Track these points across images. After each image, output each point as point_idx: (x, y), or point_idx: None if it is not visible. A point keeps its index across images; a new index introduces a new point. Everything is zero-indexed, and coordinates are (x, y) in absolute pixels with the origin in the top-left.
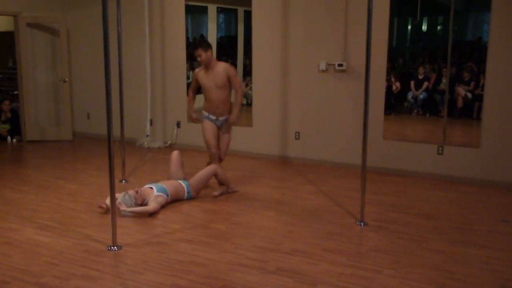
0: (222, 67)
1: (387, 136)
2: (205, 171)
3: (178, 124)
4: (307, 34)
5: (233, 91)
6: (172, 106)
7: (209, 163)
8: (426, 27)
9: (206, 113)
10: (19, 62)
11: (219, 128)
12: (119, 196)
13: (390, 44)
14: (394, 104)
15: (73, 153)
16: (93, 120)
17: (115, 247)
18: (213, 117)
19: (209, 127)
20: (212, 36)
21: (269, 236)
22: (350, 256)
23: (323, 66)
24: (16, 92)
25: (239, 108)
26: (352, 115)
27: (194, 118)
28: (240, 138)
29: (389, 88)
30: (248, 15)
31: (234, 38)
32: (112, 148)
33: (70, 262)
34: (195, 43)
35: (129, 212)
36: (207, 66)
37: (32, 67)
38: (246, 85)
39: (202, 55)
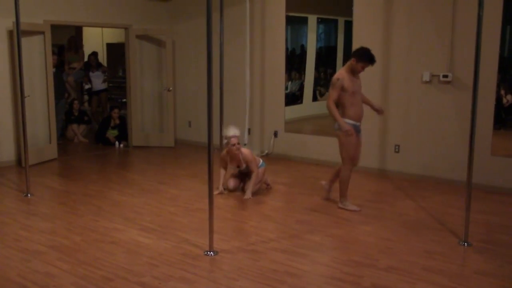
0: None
1: (496, 152)
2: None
3: (276, 134)
4: (410, 43)
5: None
6: (270, 115)
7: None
8: None
9: (351, 121)
10: (128, 72)
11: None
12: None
13: (501, 54)
14: (505, 118)
15: (175, 160)
16: (194, 128)
17: (212, 253)
18: (358, 123)
19: (356, 139)
20: (311, 47)
21: (365, 251)
22: (452, 277)
23: (426, 77)
24: (124, 100)
25: None
26: (457, 129)
27: (349, 129)
28: (337, 150)
29: (499, 101)
30: (348, 25)
31: (334, 49)
32: (212, 156)
33: (169, 264)
34: (374, 59)
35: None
36: (355, 72)
37: (139, 77)
38: None
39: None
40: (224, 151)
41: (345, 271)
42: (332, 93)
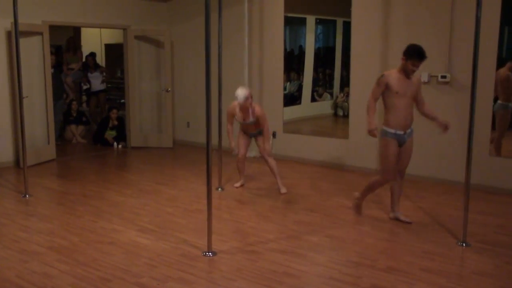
0: (416, 78)
1: (495, 152)
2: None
3: (274, 135)
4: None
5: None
6: (269, 116)
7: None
8: None
9: (391, 129)
10: (127, 73)
11: (401, 144)
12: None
13: (500, 55)
14: None
15: (173, 160)
16: (193, 129)
17: (210, 253)
18: (401, 132)
19: (395, 147)
20: (309, 47)
21: (364, 251)
22: (450, 278)
23: (425, 77)
24: (122, 101)
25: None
26: (455, 129)
27: (372, 130)
28: (336, 151)
29: (496, 101)
30: (347, 26)
31: (332, 49)
32: (210, 156)
33: (167, 264)
34: (424, 54)
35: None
36: (408, 72)
37: (138, 77)
38: (347, 96)
39: (419, 66)
40: (232, 104)
41: (343, 272)
42: (374, 89)
